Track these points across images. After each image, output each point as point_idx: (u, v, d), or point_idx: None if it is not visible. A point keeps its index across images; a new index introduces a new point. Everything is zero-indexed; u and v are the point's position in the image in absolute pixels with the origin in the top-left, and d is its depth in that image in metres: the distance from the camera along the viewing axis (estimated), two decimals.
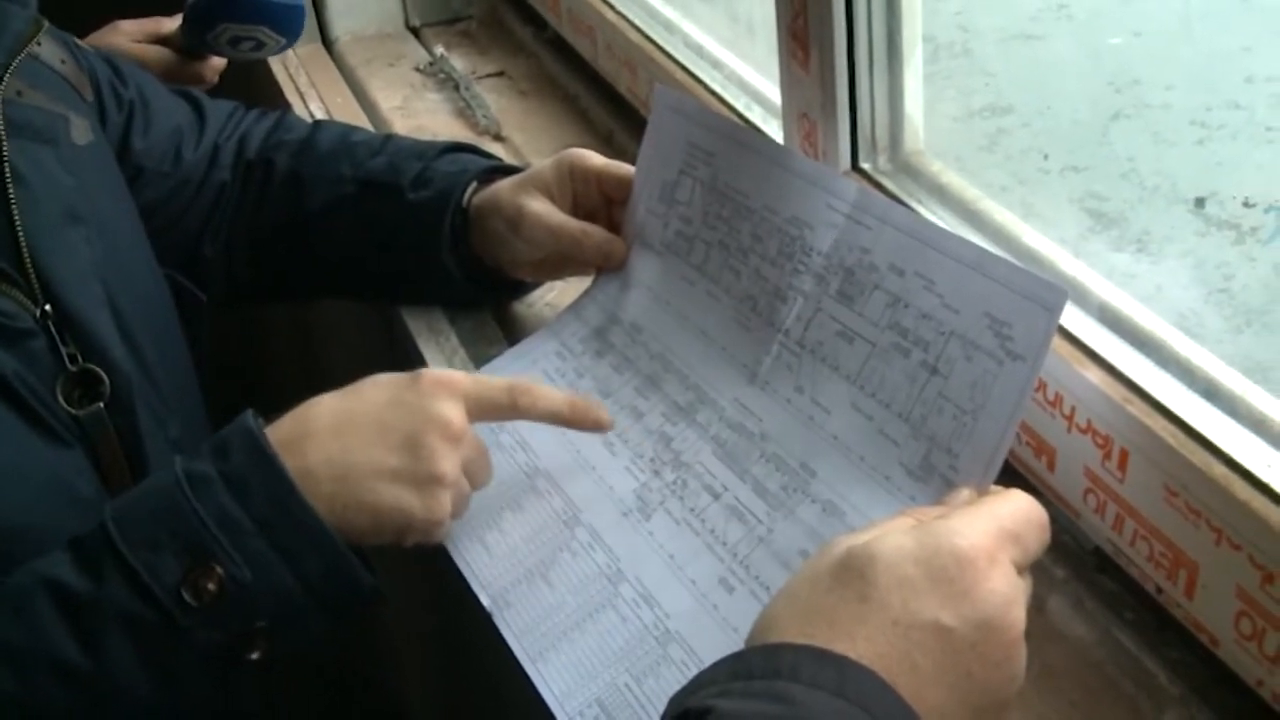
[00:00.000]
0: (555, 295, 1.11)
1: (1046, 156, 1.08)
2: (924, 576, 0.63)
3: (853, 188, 0.82)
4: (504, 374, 0.98)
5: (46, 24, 0.98)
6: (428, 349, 1.09)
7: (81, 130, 0.97)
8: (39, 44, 0.96)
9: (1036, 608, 0.78)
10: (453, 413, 0.82)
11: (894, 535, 0.65)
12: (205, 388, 1.05)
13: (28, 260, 0.88)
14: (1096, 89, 1.13)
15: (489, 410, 0.85)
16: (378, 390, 0.84)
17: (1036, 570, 0.69)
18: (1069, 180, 1.06)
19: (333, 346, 1.63)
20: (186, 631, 0.76)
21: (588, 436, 0.90)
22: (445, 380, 0.85)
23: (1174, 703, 0.75)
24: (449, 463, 0.81)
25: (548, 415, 0.87)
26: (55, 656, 0.76)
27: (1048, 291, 0.69)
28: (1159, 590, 0.76)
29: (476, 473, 0.86)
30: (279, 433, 0.81)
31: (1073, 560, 0.82)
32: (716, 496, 0.80)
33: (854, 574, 0.63)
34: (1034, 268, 0.80)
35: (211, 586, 0.76)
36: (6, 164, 0.88)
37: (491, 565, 0.85)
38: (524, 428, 0.91)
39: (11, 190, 0.88)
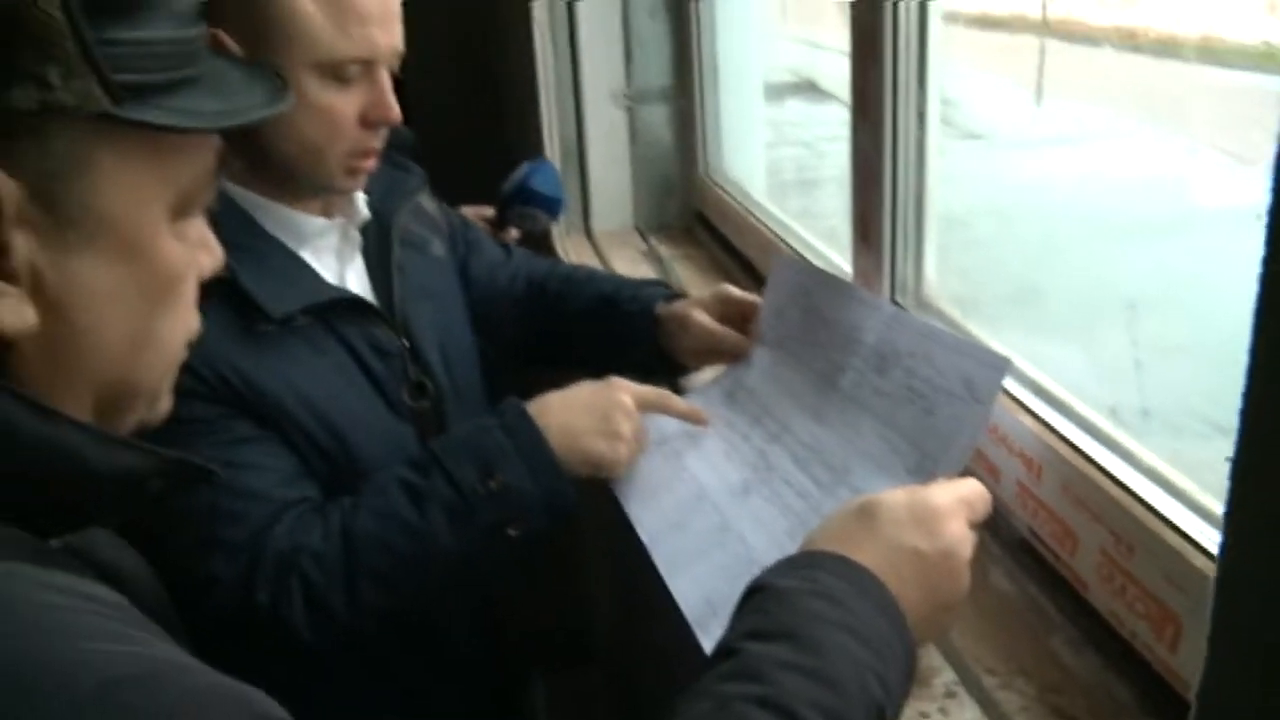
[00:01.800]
0: (704, 375, 1.33)
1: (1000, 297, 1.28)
2: (909, 518, 0.80)
3: (890, 309, 1.07)
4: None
5: (427, 186, 1.29)
6: None
7: (439, 248, 1.30)
8: (422, 197, 1.29)
9: (981, 572, 0.93)
10: (627, 400, 1.12)
11: (893, 494, 0.82)
12: (492, 396, 1.30)
13: (398, 314, 1.18)
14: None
15: (648, 404, 1.14)
16: (585, 387, 1.13)
17: (982, 547, 0.85)
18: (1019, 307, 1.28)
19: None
20: (474, 509, 1.04)
21: (716, 448, 1.13)
22: (622, 383, 1.14)
23: (1056, 628, 0.90)
24: (625, 427, 1.10)
25: (678, 411, 1.16)
26: (402, 517, 1.04)
27: (999, 361, 0.90)
28: (1056, 557, 0.92)
29: (641, 438, 1.14)
30: (533, 407, 1.10)
31: (1006, 541, 0.99)
32: (790, 485, 1.03)
33: (866, 514, 0.80)
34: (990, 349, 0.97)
35: (492, 485, 1.05)
36: (395, 260, 1.20)
37: (649, 517, 1.09)
38: (681, 439, 1.15)
39: (394, 274, 1.19)
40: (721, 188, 1.85)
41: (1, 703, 0.46)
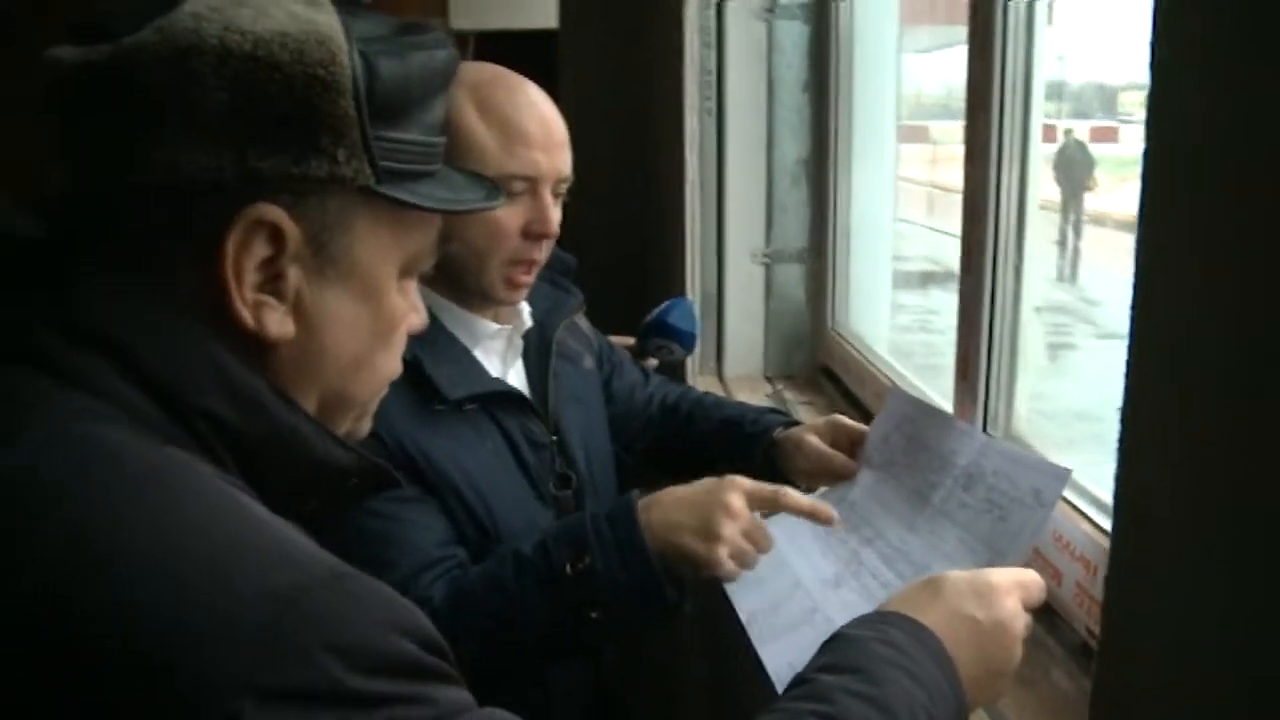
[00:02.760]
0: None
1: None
2: (969, 591, 0.93)
3: (982, 437, 1.23)
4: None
5: (584, 306, 1.49)
6: None
7: (589, 363, 1.48)
8: (578, 318, 1.49)
9: (1042, 670, 1.06)
10: (735, 500, 1.14)
11: (958, 572, 0.96)
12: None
13: (551, 412, 1.35)
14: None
15: (762, 501, 1.16)
16: (700, 485, 1.17)
17: (1043, 648, 0.99)
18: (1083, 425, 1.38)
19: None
20: (561, 586, 1.12)
21: (814, 547, 1.24)
22: (735, 481, 1.16)
23: None
24: (727, 529, 1.12)
25: (797, 507, 1.17)
26: (503, 583, 1.15)
27: (1062, 472, 1.06)
28: None
29: (757, 540, 1.15)
30: (645, 500, 1.16)
31: (1067, 643, 1.10)
32: (876, 579, 1.17)
33: (932, 585, 0.95)
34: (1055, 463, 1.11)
35: (580, 566, 1.12)
36: (552, 367, 1.38)
37: (748, 598, 1.20)
38: (783, 539, 1.23)
39: (550, 379, 1.36)
40: (846, 341, 2.05)
41: (249, 573, 0.60)
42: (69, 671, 0.56)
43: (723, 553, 1.13)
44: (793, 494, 1.18)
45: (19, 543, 0.60)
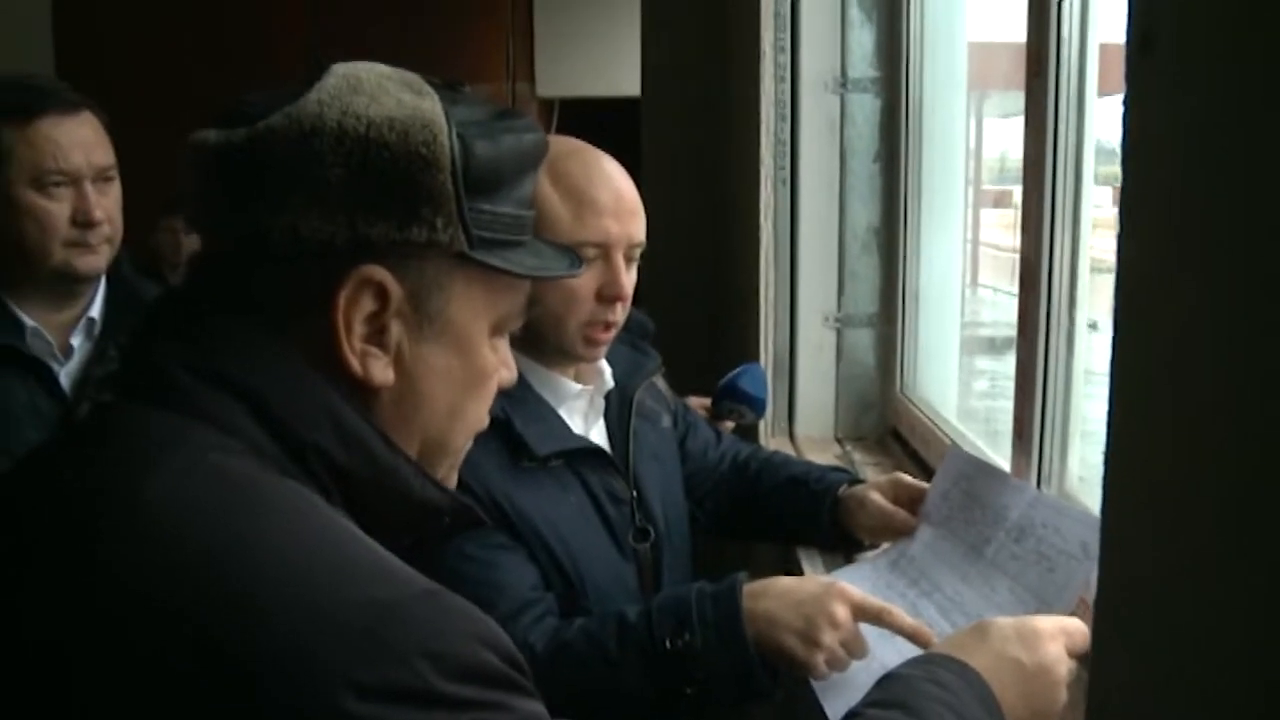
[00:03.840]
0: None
1: None
2: (1015, 635, 1.01)
3: (1033, 491, 1.31)
4: (846, 577, 1.34)
5: (662, 367, 1.58)
6: (806, 558, 1.60)
7: (666, 422, 1.57)
8: (657, 379, 1.57)
9: None
10: (840, 611, 1.17)
11: (1005, 618, 1.05)
12: (695, 552, 1.55)
13: (631, 469, 1.44)
14: None
15: (868, 615, 1.18)
16: (809, 583, 1.23)
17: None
18: None
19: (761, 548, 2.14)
20: (660, 659, 1.18)
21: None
22: (844, 590, 1.19)
23: None
24: (827, 637, 1.15)
25: (901, 627, 1.18)
26: (604, 644, 1.21)
27: None
28: None
29: (853, 649, 1.18)
30: (752, 587, 1.20)
31: None
32: (932, 628, 1.22)
33: (979, 629, 1.04)
34: None
35: (680, 642, 1.17)
36: (632, 426, 1.46)
37: (836, 702, 1.18)
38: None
39: (631, 438, 1.45)
40: (914, 405, 2.13)
41: (357, 584, 0.68)
42: (201, 665, 0.65)
43: (820, 659, 1.16)
44: (898, 614, 1.19)
45: (163, 559, 0.69)
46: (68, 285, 1.69)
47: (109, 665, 0.67)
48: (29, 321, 1.66)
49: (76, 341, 1.71)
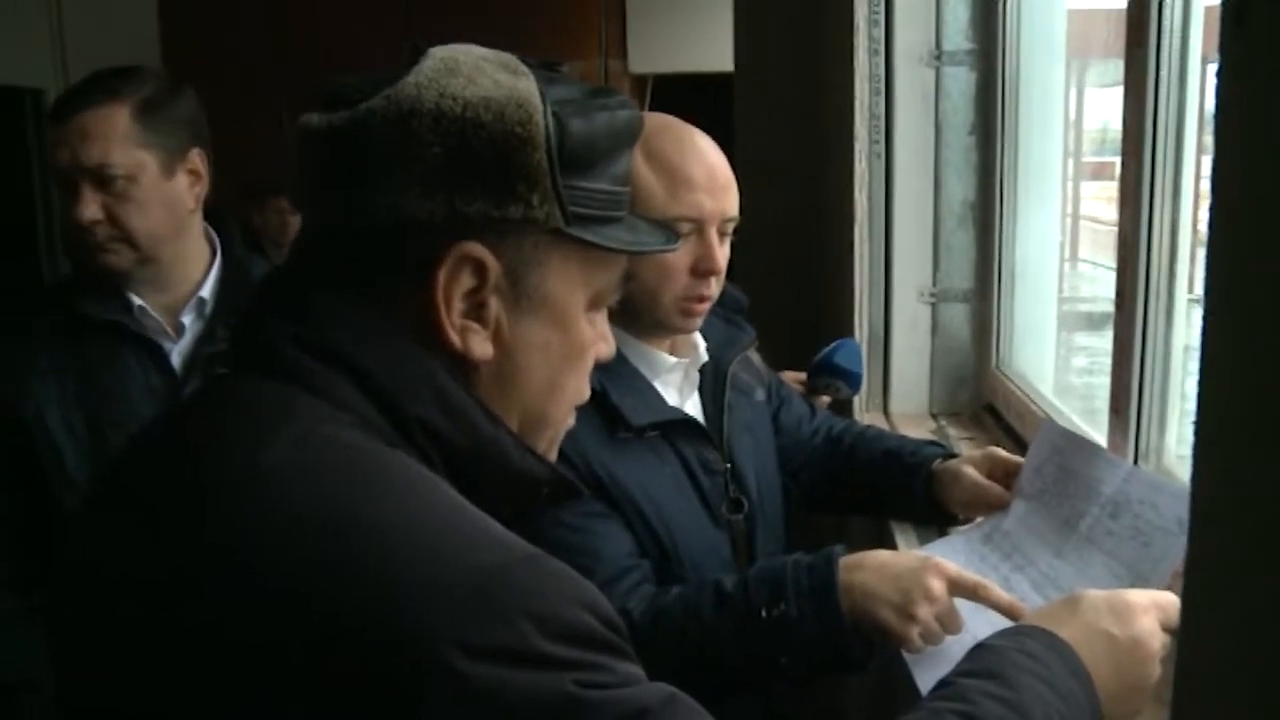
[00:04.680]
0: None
1: None
2: (1107, 608, 1.00)
3: (1127, 465, 1.30)
4: (939, 551, 1.37)
5: (756, 341, 1.59)
6: (900, 531, 1.60)
7: (760, 395, 1.58)
8: (751, 353, 1.58)
9: None
10: (936, 585, 1.16)
11: (1097, 591, 1.03)
12: (788, 524, 1.58)
13: (725, 441, 1.46)
14: None
15: (965, 590, 1.17)
16: (906, 557, 1.22)
17: None
18: None
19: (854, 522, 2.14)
20: (755, 627, 1.18)
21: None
22: (939, 565, 1.18)
23: None
24: (923, 610, 1.15)
25: (997, 602, 1.17)
26: (701, 613, 1.21)
27: None
28: None
29: (948, 623, 1.17)
30: (848, 559, 1.20)
31: None
32: (1025, 602, 1.21)
33: (1071, 602, 1.02)
34: None
35: (775, 612, 1.18)
36: (727, 399, 1.48)
37: (927, 673, 1.17)
38: None
39: (725, 411, 1.47)
40: (1010, 380, 2.11)
41: (464, 549, 0.70)
42: (310, 626, 0.68)
43: (915, 632, 1.17)
44: (995, 589, 1.18)
45: (280, 531, 0.72)
46: (116, 279, 1.68)
47: (225, 636, 0.69)
48: (136, 300, 1.70)
49: (188, 320, 1.75)
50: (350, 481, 0.75)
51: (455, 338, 0.83)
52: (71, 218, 1.61)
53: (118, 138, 1.60)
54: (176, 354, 1.72)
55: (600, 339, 0.92)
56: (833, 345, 2.00)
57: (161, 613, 0.72)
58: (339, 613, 0.68)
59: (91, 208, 1.60)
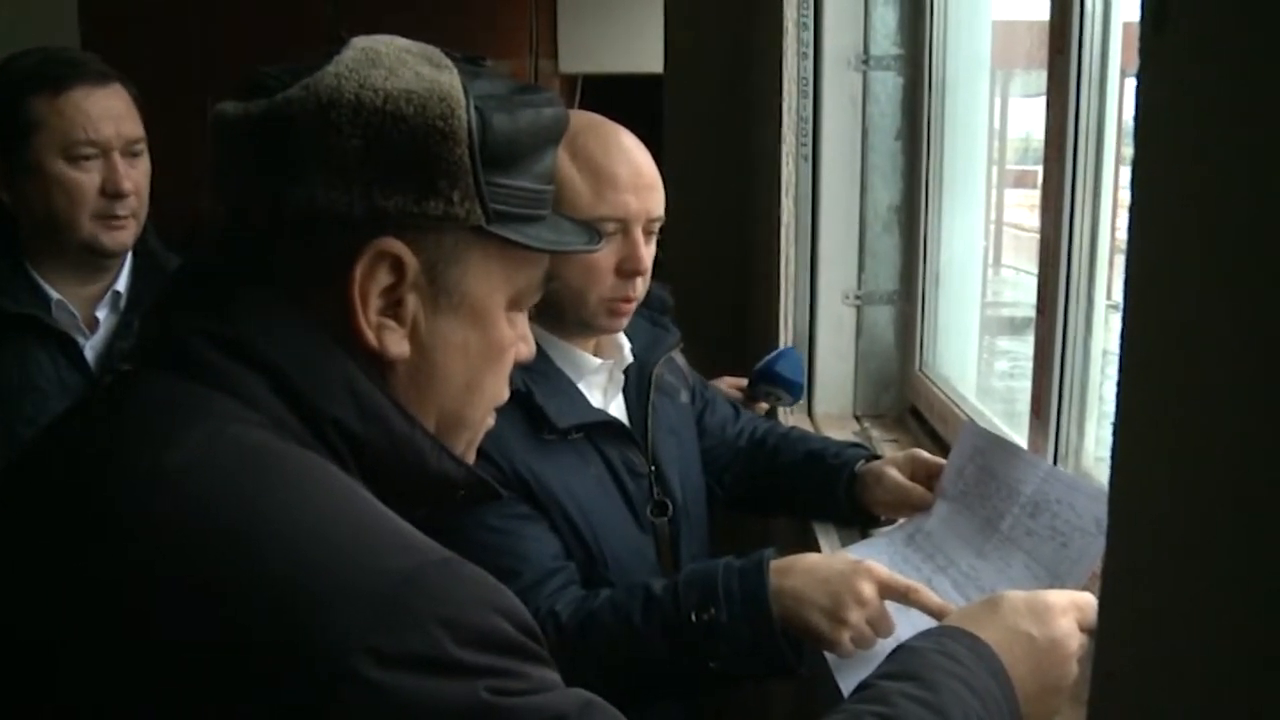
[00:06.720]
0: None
1: None
2: (1026, 609, 1.01)
3: (1047, 465, 1.32)
4: (861, 551, 1.38)
5: (681, 342, 1.58)
6: (823, 533, 1.59)
7: (684, 397, 1.58)
8: (675, 354, 1.58)
9: None
10: (867, 589, 1.16)
11: (1017, 592, 1.04)
12: (713, 526, 1.57)
13: (649, 443, 1.45)
14: None
15: (892, 594, 1.18)
16: (837, 561, 1.21)
17: None
18: None
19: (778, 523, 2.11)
20: (684, 633, 1.18)
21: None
22: (871, 569, 1.18)
23: None
24: (853, 615, 1.15)
25: (927, 605, 1.17)
26: (631, 618, 1.20)
27: None
28: None
29: (879, 627, 1.17)
30: (778, 563, 1.19)
31: None
32: (947, 603, 1.31)
33: (991, 603, 1.03)
34: None
35: (705, 617, 1.17)
36: (651, 400, 1.47)
37: (850, 675, 1.16)
38: None
39: (649, 412, 1.46)
40: (933, 383, 2.13)
41: (375, 553, 0.69)
42: (218, 631, 0.66)
43: (846, 636, 1.16)
44: (925, 593, 1.19)
45: (184, 533, 0.70)
46: (94, 259, 1.70)
47: (127, 637, 0.68)
48: (54, 294, 1.67)
49: (102, 315, 1.72)
50: (258, 484, 0.73)
51: (371, 335, 0.81)
52: (105, 188, 1.66)
53: (137, 113, 1.71)
54: (90, 349, 1.69)
55: (520, 339, 0.92)
56: (774, 354, 2.01)
57: (69, 613, 0.70)
58: (248, 619, 0.67)
59: (129, 179, 1.67)
